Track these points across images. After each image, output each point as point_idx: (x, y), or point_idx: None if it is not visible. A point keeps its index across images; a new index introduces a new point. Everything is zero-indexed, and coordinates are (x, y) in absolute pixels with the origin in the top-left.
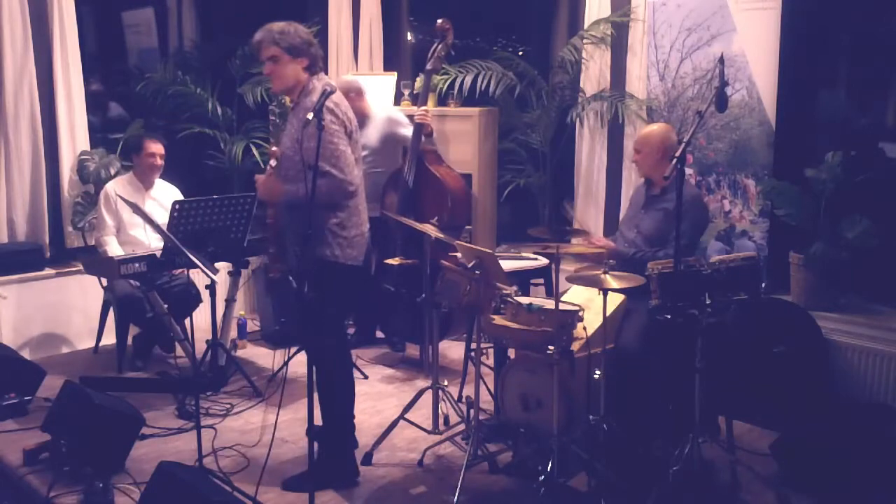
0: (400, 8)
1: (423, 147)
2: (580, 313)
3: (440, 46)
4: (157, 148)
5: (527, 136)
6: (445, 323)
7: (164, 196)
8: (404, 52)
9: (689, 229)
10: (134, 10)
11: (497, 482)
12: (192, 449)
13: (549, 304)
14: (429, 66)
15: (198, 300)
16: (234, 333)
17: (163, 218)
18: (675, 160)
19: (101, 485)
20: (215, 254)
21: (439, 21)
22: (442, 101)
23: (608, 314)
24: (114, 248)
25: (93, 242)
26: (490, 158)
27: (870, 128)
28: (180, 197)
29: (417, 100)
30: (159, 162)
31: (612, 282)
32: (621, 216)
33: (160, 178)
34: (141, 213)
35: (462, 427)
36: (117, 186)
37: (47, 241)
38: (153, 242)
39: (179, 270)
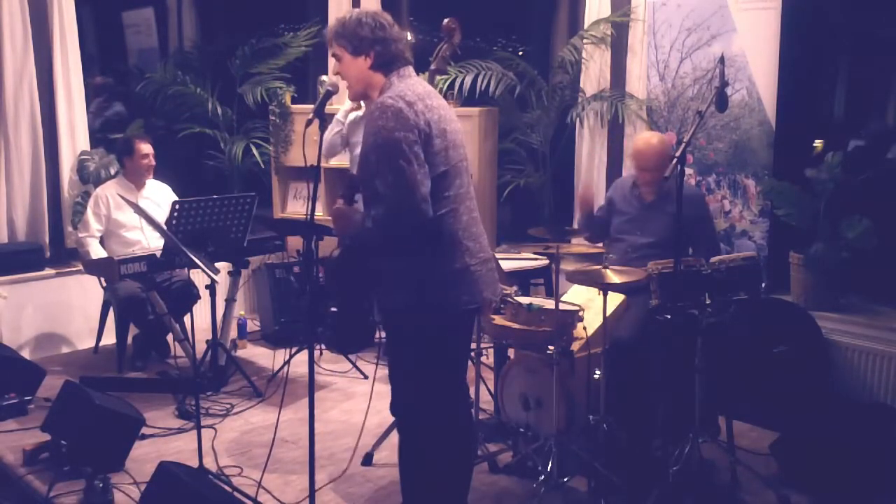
0: (400, 8)
1: None
2: (580, 313)
3: (445, 46)
4: (148, 148)
5: (527, 136)
6: None
7: (157, 195)
8: None
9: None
10: (134, 10)
11: (497, 482)
12: (192, 449)
13: (549, 304)
14: (433, 67)
15: (196, 297)
16: (234, 333)
17: (159, 217)
18: (674, 160)
19: (100, 485)
20: (215, 254)
21: (445, 21)
22: None
23: (608, 314)
24: (96, 250)
25: (74, 244)
26: (490, 158)
27: (870, 128)
28: (172, 195)
29: None
30: (153, 162)
31: (611, 276)
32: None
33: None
34: (144, 215)
35: None
36: (109, 190)
37: (47, 241)
38: (152, 243)
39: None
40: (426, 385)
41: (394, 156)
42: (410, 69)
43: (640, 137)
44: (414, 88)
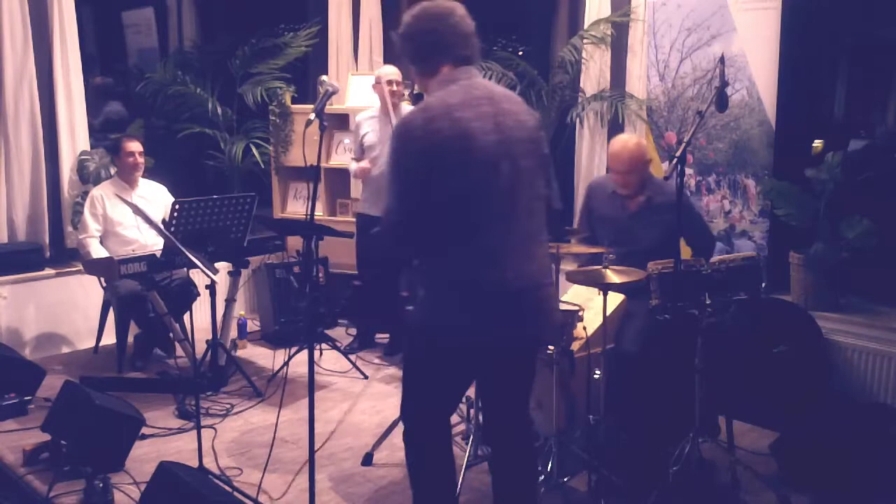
0: (400, 8)
1: None
2: (580, 313)
3: None
4: (135, 146)
5: None
6: None
7: (150, 194)
8: None
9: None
10: (134, 10)
11: None
12: (192, 449)
13: None
14: None
15: (196, 295)
16: (234, 333)
17: (154, 214)
18: (675, 160)
19: (100, 485)
20: (215, 254)
21: None
22: None
23: (608, 314)
24: (96, 250)
25: (75, 245)
26: None
27: (870, 128)
28: (168, 195)
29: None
30: (139, 160)
31: (612, 276)
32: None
33: (144, 177)
34: (141, 214)
35: (462, 427)
36: (104, 190)
37: (47, 241)
38: (150, 240)
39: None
40: (415, 399)
41: (391, 179)
42: (459, 70)
43: (617, 139)
44: (448, 98)
